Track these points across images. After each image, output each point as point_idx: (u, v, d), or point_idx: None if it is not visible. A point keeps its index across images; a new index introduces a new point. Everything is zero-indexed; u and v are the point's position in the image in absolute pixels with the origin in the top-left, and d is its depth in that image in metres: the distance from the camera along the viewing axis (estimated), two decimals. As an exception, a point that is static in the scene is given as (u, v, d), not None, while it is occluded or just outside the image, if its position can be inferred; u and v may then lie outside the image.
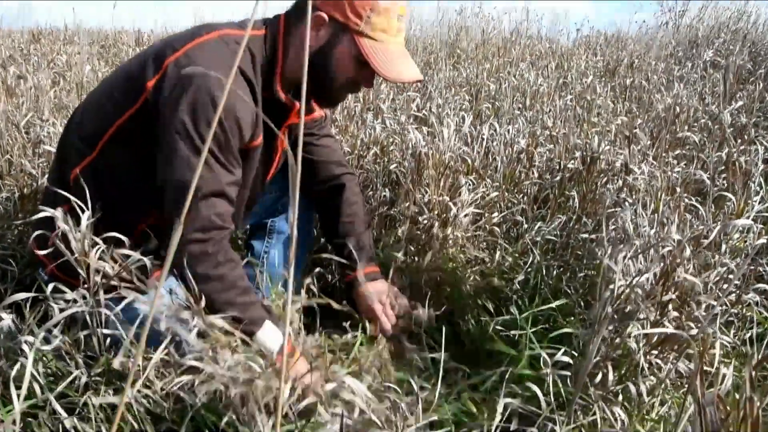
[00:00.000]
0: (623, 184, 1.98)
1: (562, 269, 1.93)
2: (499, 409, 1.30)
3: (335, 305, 1.41)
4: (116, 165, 1.57)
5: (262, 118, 1.57)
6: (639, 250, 1.52)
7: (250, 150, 1.58)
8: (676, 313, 1.33)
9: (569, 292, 1.85)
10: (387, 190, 2.34)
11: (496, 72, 3.65)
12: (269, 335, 1.49)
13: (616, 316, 1.36)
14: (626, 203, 1.91)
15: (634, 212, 1.84)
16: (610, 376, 1.32)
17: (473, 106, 3.05)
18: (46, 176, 2.14)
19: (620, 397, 1.35)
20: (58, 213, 1.38)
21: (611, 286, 1.40)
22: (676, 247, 1.35)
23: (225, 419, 1.29)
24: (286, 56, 1.60)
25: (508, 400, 1.29)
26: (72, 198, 1.43)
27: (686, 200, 1.86)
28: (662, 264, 1.36)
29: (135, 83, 1.52)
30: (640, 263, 1.47)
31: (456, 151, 2.23)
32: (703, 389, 0.81)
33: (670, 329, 1.32)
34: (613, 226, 1.74)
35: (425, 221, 2.02)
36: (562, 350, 1.28)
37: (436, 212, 1.95)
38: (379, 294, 1.81)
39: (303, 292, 1.52)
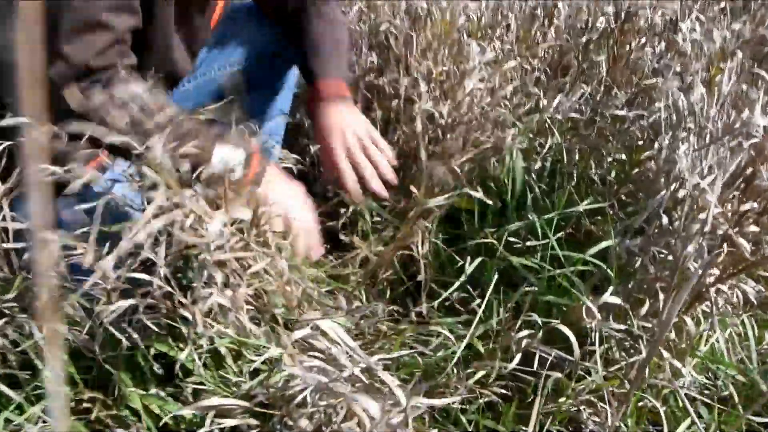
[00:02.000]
0: (668, 46, 1.58)
1: (586, 153, 1.57)
2: (517, 355, 0.99)
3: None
4: None
5: None
6: (704, 139, 1.16)
7: None
8: (755, 228, 0.99)
9: (595, 181, 1.51)
10: (374, 54, 1.92)
11: None
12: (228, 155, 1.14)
13: (672, 227, 1.02)
14: (671, 71, 1.53)
15: (683, 82, 1.46)
16: (665, 312, 1.01)
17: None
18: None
19: (672, 334, 1.04)
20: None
21: (670, 188, 1.05)
22: (765, 137, 0.99)
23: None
24: None
25: (527, 339, 0.99)
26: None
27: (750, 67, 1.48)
28: (740, 159, 1.01)
29: None
30: (703, 156, 1.12)
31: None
32: None
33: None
34: (659, 104, 1.36)
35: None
36: (610, 291, 0.95)
37: (434, 85, 1.57)
38: (345, 132, 1.32)
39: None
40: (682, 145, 1.05)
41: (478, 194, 1.24)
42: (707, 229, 0.98)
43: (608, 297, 0.91)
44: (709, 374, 1.12)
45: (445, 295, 1.25)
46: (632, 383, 0.94)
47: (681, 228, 1.04)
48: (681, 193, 1.04)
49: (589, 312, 0.95)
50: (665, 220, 1.03)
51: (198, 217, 1.07)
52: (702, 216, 0.98)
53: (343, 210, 1.47)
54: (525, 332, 0.96)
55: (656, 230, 1.06)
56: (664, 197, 1.04)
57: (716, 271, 1.06)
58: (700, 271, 0.92)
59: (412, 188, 1.34)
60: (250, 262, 1.13)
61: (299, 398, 0.82)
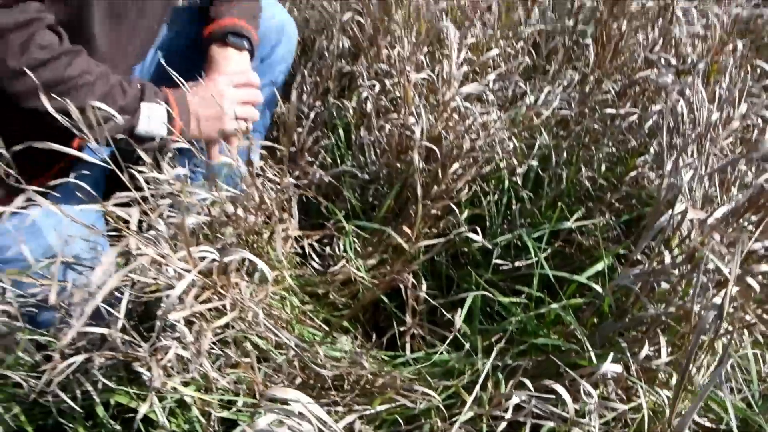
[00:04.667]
0: (661, 33, 1.47)
1: (575, 152, 1.48)
2: (510, 405, 0.92)
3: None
4: None
5: None
6: (705, 149, 1.08)
7: None
8: (765, 267, 0.91)
9: (586, 185, 1.42)
10: (347, 39, 1.80)
11: None
12: (151, 117, 1.16)
13: (677, 271, 0.94)
14: (666, 64, 1.42)
15: (678, 77, 1.37)
16: (663, 354, 0.93)
17: None
18: None
19: (673, 379, 0.97)
20: None
21: (667, 217, 0.97)
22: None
23: None
24: None
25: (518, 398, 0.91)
26: None
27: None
28: (750, 193, 0.92)
29: None
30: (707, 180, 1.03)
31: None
32: None
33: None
34: (655, 107, 1.27)
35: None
36: (610, 358, 0.87)
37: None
38: (229, 77, 1.29)
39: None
40: (685, 173, 0.96)
41: (477, 237, 1.15)
42: (710, 266, 0.90)
43: (609, 365, 0.84)
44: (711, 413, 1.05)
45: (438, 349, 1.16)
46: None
47: (682, 263, 0.96)
48: (684, 228, 0.95)
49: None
50: (667, 258, 0.94)
51: (158, 262, 0.97)
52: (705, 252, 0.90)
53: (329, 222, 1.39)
54: (514, 398, 0.88)
55: (655, 263, 0.98)
56: (665, 229, 0.95)
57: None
58: (710, 321, 0.84)
59: (406, 229, 1.26)
60: (218, 305, 1.03)
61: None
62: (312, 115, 1.63)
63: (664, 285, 0.98)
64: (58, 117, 0.99)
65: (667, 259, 0.94)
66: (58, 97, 1.03)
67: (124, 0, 1.20)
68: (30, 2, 1.04)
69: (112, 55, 1.22)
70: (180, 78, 1.15)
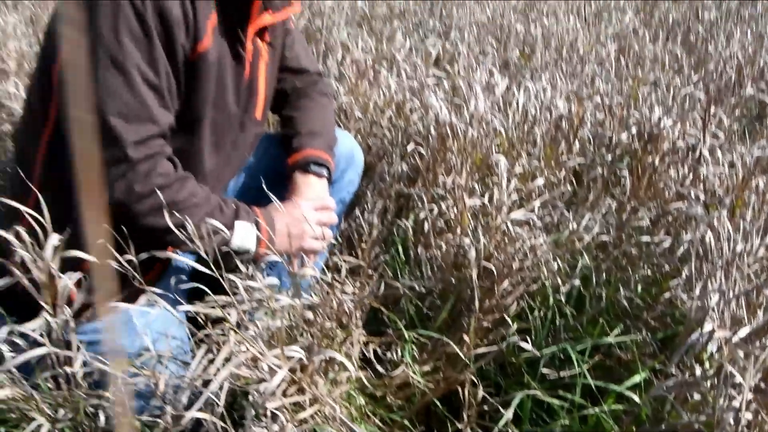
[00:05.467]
0: (689, 172, 1.65)
1: (614, 274, 1.63)
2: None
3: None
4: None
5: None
6: (732, 275, 1.22)
7: (198, 62, 1.27)
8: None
9: (624, 304, 1.56)
10: (405, 165, 2.01)
11: (524, 11, 3.24)
12: (244, 234, 1.34)
13: (707, 382, 1.07)
14: (695, 197, 1.59)
15: (707, 210, 1.53)
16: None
17: (499, 51, 2.68)
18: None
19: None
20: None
21: (698, 336, 1.10)
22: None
23: None
24: None
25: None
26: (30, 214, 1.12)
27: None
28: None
29: None
30: (732, 299, 1.17)
31: (487, 120, 1.90)
32: None
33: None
34: (686, 237, 1.43)
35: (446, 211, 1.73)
36: None
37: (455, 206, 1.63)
38: (310, 202, 1.49)
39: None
40: (712, 297, 1.11)
41: (528, 345, 1.30)
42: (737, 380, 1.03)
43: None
44: None
45: None
46: None
47: (712, 375, 1.09)
48: (713, 347, 1.09)
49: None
50: (698, 371, 1.08)
51: (254, 357, 1.14)
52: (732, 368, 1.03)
53: (389, 329, 1.55)
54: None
55: (688, 376, 1.11)
56: (696, 346, 1.09)
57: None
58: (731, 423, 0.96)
59: (466, 337, 1.41)
60: (299, 399, 1.18)
61: None
62: (374, 232, 1.83)
63: (696, 396, 1.11)
64: (177, 232, 1.19)
65: (698, 372, 1.07)
66: (177, 215, 1.23)
67: (223, 136, 1.44)
68: (157, 138, 1.27)
69: (212, 178, 1.45)
70: (277, 200, 1.35)
